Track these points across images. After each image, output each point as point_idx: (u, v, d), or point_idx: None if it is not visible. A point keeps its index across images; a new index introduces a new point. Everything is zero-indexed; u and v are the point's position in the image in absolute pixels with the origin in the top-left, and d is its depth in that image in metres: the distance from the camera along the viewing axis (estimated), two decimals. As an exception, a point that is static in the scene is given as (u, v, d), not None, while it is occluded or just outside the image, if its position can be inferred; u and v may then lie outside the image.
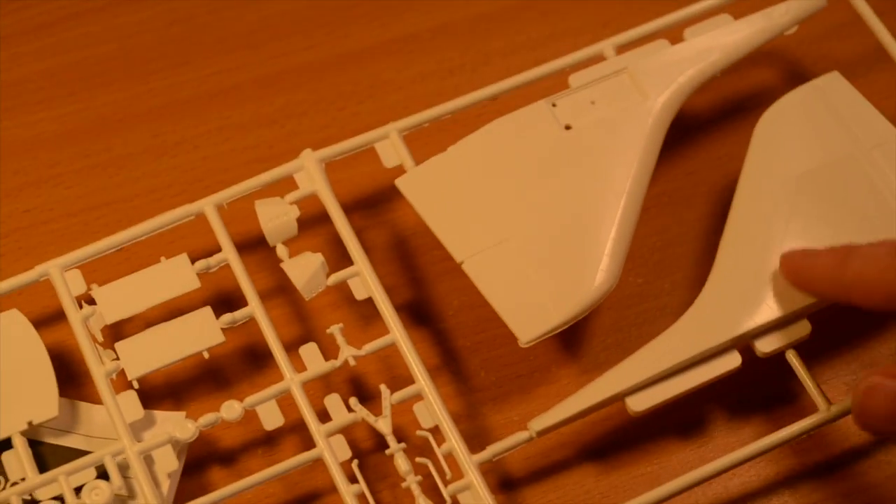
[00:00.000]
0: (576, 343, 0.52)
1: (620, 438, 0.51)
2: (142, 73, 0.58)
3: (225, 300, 0.52)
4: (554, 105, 0.53)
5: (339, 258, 0.52)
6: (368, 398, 0.51)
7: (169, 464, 0.47)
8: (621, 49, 0.55)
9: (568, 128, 0.52)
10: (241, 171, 0.56)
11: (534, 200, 0.51)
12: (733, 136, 0.57)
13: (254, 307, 0.50)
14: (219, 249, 0.51)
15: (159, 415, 0.50)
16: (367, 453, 0.50)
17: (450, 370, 0.52)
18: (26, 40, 0.59)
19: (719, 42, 0.54)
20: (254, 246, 0.53)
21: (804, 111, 0.53)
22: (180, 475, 0.49)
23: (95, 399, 0.49)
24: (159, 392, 0.51)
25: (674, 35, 0.55)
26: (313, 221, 0.54)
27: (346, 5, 0.60)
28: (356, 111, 0.58)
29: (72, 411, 0.50)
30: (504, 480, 0.50)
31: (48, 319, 0.52)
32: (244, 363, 0.52)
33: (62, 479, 0.47)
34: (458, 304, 0.53)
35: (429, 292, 0.54)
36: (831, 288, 0.47)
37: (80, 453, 0.48)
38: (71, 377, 0.51)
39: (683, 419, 0.51)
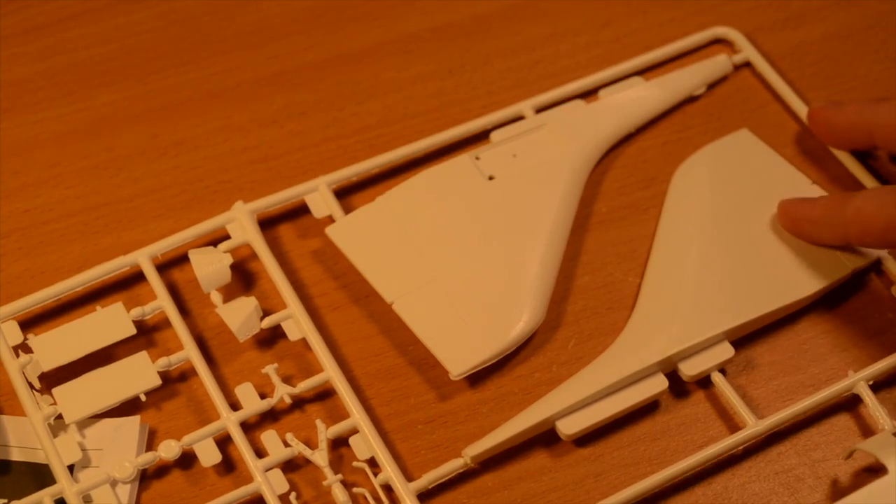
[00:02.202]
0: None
1: (621, 439, 0.51)
2: (142, 73, 0.58)
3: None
4: (477, 158, 0.55)
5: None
6: (304, 429, 0.51)
7: (108, 502, 0.48)
8: (540, 109, 0.57)
9: (491, 178, 0.54)
10: (241, 171, 0.56)
11: (460, 245, 0.52)
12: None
13: (189, 351, 0.51)
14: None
15: (112, 422, 0.50)
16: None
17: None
18: (26, 40, 0.59)
19: (631, 102, 0.57)
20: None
21: (716, 164, 0.56)
22: (136, 496, 0.49)
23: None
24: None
25: (590, 97, 0.57)
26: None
27: (346, 5, 0.60)
28: (356, 111, 0.58)
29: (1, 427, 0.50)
30: (505, 480, 0.50)
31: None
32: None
33: None
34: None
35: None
36: (830, 226, 0.51)
37: (25, 466, 0.49)
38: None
39: (684, 420, 0.51)
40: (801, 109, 0.57)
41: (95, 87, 0.58)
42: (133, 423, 0.50)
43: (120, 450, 0.49)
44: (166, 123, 0.57)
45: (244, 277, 0.54)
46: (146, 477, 0.50)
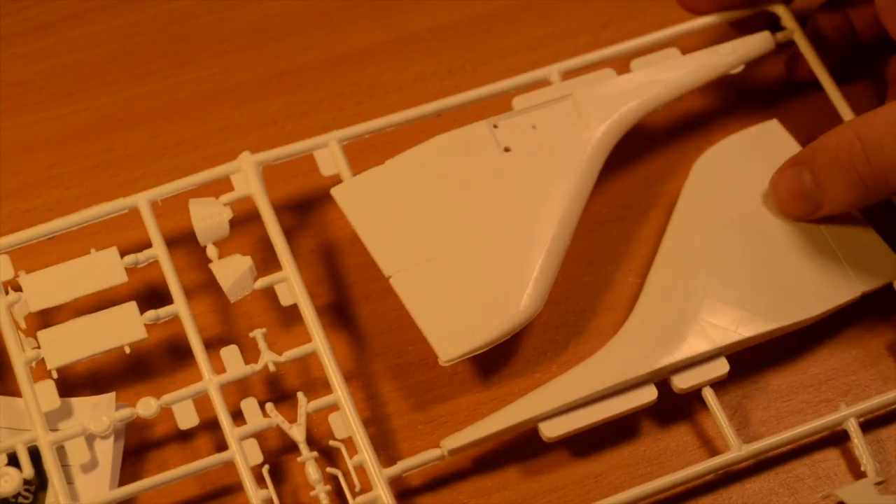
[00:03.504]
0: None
1: (622, 439, 0.51)
2: (142, 73, 0.58)
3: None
4: (495, 126, 0.53)
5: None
6: (286, 399, 0.51)
7: (81, 455, 0.48)
8: (567, 75, 0.55)
9: (507, 150, 0.52)
10: (241, 172, 0.56)
11: (467, 220, 0.51)
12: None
13: (179, 306, 0.50)
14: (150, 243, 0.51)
15: (89, 400, 0.50)
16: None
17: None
18: (26, 40, 0.59)
19: (664, 76, 0.54)
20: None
21: (740, 157, 0.54)
22: (121, 458, 0.50)
23: (16, 391, 0.50)
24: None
25: (621, 65, 0.55)
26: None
27: (346, 5, 0.60)
28: (356, 111, 0.58)
29: None
30: (505, 480, 0.50)
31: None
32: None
33: None
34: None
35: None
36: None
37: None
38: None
39: (685, 421, 0.51)
40: (839, 99, 0.55)
41: (95, 87, 0.58)
42: (109, 399, 0.50)
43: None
44: (166, 123, 0.57)
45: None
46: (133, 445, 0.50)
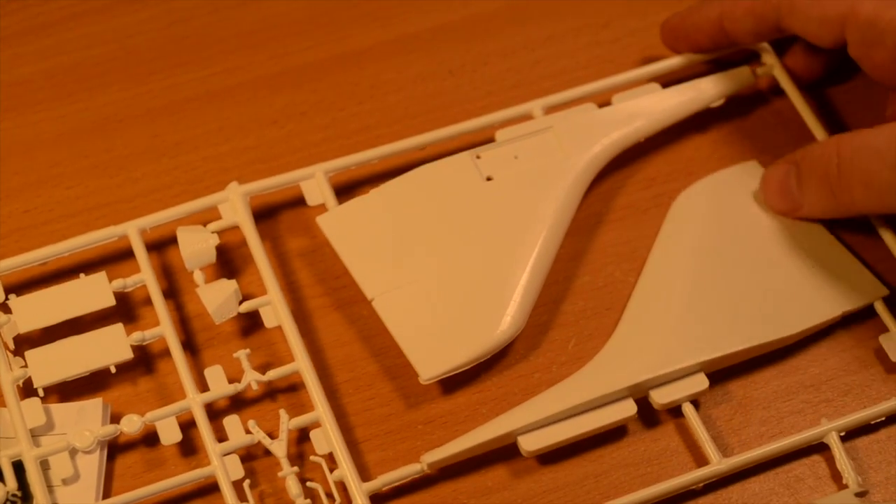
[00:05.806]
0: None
1: (621, 439, 0.51)
2: (142, 73, 0.59)
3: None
4: (478, 157, 0.54)
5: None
6: (268, 417, 0.51)
7: (65, 469, 0.48)
8: (550, 110, 0.56)
9: (489, 179, 0.53)
10: (241, 172, 0.56)
11: (449, 246, 0.52)
12: (734, 140, 0.57)
13: (164, 328, 0.51)
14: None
15: (75, 405, 0.50)
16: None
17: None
18: (26, 40, 0.59)
19: (645, 109, 0.55)
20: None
21: (718, 195, 0.55)
22: (104, 469, 0.50)
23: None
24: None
25: (603, 101, 0.56)
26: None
27: (346, 5, 0.60)
28: (356, 111, 0.58)
29: None
30: (505, 480, 0.50)
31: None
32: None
33: None
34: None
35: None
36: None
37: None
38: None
39: (684, 420, 0.51)
40: (820, 131, 0.55)
41: (95, 87, 0.58)
42: (96, 404, 0.50)
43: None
44: (166, 123, 0.57)
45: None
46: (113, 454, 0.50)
